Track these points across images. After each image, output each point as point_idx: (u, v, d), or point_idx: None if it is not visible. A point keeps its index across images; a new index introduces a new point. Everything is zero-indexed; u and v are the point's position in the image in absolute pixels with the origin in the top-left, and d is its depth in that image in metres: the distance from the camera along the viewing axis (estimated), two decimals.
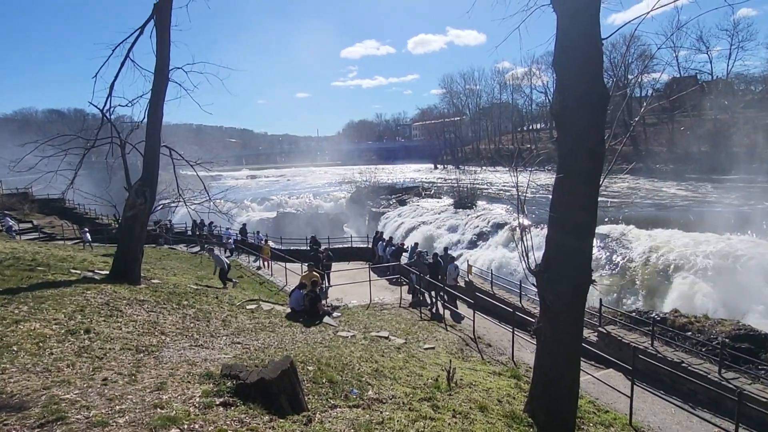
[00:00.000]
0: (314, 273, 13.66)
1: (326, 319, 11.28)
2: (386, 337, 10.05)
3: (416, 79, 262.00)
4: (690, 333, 10.36)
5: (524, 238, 5.52)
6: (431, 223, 35.46)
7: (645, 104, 38.28)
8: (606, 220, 26.53)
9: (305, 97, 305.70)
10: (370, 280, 14.65)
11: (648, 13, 5.08)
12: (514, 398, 6.92)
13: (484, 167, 75.72)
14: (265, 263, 20.57)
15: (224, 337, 8.38)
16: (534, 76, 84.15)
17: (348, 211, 47.66)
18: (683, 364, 9.06)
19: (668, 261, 20.68)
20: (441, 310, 13.57)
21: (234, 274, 18.21)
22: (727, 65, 59.12)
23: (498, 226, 30.21)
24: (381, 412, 5.05)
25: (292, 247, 23.81)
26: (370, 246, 21.79)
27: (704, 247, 20.67)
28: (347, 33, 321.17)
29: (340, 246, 23.86)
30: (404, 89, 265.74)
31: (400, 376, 6.89)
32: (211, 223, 26.88)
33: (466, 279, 16.39)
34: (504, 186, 48.72)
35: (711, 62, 64.48)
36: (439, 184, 57.55)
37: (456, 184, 45.40)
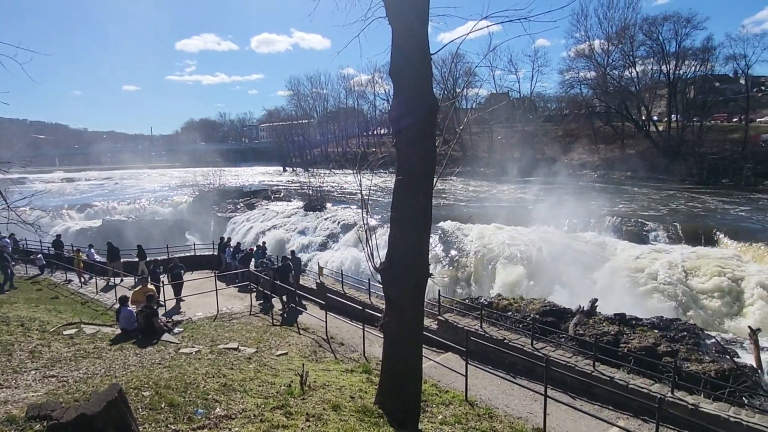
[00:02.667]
0: (149, 287, 12.29)
1: (166, 336, 10.20)
2: (236, 349, 9.53)
3: (261, 79, 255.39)
4: (510, 313, 12.05)
5: (369, 238, 5.77)
6: (282, 226, 34.73)
7: (468, 114, 43.61)
8: (441, 218, 29.24)
9: (134, 90, 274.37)
10: (216, 290, 13.72)
11: (467, 35, 5.75)
12: (366, 392, 7.19)
13: (332, 170, 77.11)
14: (81, 278, 17.83)
15: (33, 372, 7.06)
16: (377, 84, 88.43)
17: (190, 216, 43.84)
18: (505, 341, 10.51)
19: (492, 251, 23.72)
20: (292, 314, 13.41)
21: (48, 295, 15.35)
22: (530, 85, 71.12)
23: (347, 227, 30.99)
24: (230, 430, 4.79)
25: (123, 260, 20.92)
26: (215, 253, 20.47)
27: (518, 237, 24.26)
28: (183, 23, 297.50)
29: (182, 255, 21.82)
30: (249, 89, 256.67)
31: (251, 388, 6.61)
32: (12, 235, 22.09)
33: (318, 281, 16.49)
34: (352, 188, 50.28)
35: (519, 82, 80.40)
36: (288, 187, 56.72)
37: (306, 187, 45.21)
